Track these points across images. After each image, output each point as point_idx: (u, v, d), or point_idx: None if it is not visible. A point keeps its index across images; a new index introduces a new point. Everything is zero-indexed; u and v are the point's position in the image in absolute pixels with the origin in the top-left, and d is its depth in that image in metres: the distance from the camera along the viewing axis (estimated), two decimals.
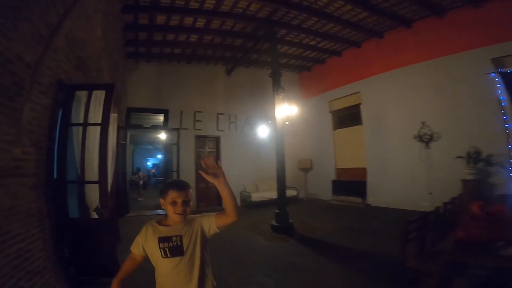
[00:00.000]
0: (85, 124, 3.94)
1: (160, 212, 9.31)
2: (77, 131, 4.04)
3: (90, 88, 4.17)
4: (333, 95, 11.56)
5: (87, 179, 3.92)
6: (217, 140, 10.79)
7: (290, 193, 10.87)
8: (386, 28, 9.42)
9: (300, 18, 8.73)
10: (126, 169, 9.27)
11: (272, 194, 10.23)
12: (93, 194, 3.92)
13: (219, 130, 10.74)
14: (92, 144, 4.09)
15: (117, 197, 8.49)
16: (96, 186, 3.83)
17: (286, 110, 7.23)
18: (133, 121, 9.91)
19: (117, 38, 7.55)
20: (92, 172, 3.96)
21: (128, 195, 9.25)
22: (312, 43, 10.55)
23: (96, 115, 4.06)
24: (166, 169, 9.56)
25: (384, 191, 9.27)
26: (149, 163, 26.93)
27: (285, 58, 11.39)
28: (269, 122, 7.59)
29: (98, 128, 3.92)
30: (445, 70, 7.68)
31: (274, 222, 6.72)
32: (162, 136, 11.48)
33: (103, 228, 3.82)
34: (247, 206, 10.24)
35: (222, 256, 4.97)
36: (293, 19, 8.79)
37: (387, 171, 9.25)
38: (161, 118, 10.18)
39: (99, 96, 4.12)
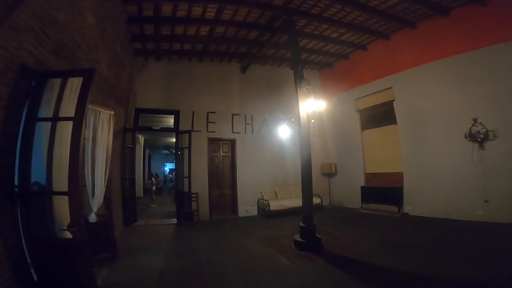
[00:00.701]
0: (55, 119, 3.07)
1: (171, 220, 8.48)
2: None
3: (65, 75, 3.31)
4: (359, 92, 10.40)
5: (57, 189, 3.02)
6: (232, 143, 9.87)
7: (313, 201, 9.77)
8: (419, 18, 8.34)
9: (320, 5, 7.70)
10: (135, 174, 8.46)
11: (293, 203, 9.21)
12: (63, 208, 3.01)
13: (235, 132, 9.82)
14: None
15: (123, 205, 7.72)
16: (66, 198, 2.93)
17: (312, 105, 6.14)
18: (142, 123, 9.17)
19: (119, 30, 6.81)
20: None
21: (136, 202, 8.45)
22: (334, 35, 9.45)
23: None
24: (176, 175, 8.63)
25: (425, 199, 7.99)
26: (166, 168, 26.48)
27: (305, 53, 10.33)
28: (292, 120, 6.61)
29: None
30: (496, 60, 6.49)
31: (298, 237, 5.65)
32: (173, 139, 10.69)
33: (75, 250, 2.91)
34: (264, 215, 9.21)
35: (233, 282, 3.96)
36: (313, 7, 7.77)
37: (428, 175, 7.96)
38: (171, 119, 9.40)
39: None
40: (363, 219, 8.55)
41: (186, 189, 8.50)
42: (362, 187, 10.08)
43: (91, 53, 5.14)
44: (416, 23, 8.48)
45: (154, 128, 9.18)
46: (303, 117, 6.05)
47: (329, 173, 11.22)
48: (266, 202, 9.03)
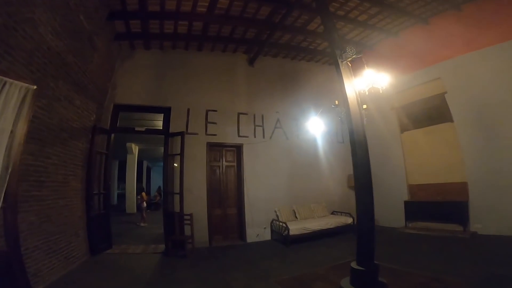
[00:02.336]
0: None
1: (158, 248, 6.30)
2: None
3: None
4: (393, 87, 8.13)
5: None
6: (238, 149, 7.72)
7: (342, 221, 7.53)
8: None
9: None
10: (111, 189, 6.34)
11: (318, 224, 7.03)
12: None
13: (241, 136, 7.68)
14: None
15: (88, 228, 5.57)
16: None
17: (365, 81, 4.08)
18: (122, 123, 7.10)
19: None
20: None
21: (110, 224, 6.29)
22: (362, 18, 7.42)
23: None
24: (165, 190, 6.46)
25: (502, 214, 5.90)
26: None
27: (323, 40, 8.26)
28: (335, 104, 4.42)
29: None
30: None
31: (346, 284, 3.42)
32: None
33: None
34: (281, 241, 6.93)
35: None
36: None
37: (506, 185, 5.77)
38: (160, 119, 7.32)
39: None
40: (417, 242, 6.36)
41: (177, 208, 6.32)
42: (406, 202, 7.81)
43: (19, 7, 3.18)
44: (460, 5, 6.79)
45: (137, 129, 7.07)
46: (351, 101, 3.90)
47: None
48: (284, 225, 6.76)
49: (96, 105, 6.15)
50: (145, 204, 10.38)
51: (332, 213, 8.33)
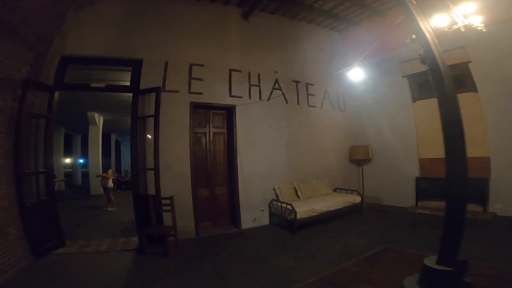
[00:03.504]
0: None
1: (129, 242, 4.65)
2: None
3: None
4: (406, 54, 6.64)
5: None
6: (229, 112, 5.99)
7: (350, 200, 6.30)
8: None
9: None
10: (53, 165, 4.49)
11: (327, 205, 5.74)
12: None
13: (234, 96, 5.95)
14: None
15: (24, 221, 3.73)
16: None
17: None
18: (72, 79, 5.06)
19: None
20: None
21: (57, 212, 4.43)
22: None
23: None
24: (133, 166, 4.66)
25: None
26: None
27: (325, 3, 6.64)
28: (411, 38, 2.91)
29: None
30: None
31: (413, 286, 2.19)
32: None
33: None
34: (284, 226, 5.56)
35: None
36: None
37: None
38: (126, 75, 5.35)
39: None
40: (432, 225, 5.23)
41: (152, 190, 4.63)
42: (417, 179, 6.66)
43: None
44: None
45: (93, 85, 5.03)
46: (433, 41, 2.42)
47: (362, 160, 7.68)
48: (288, 207, 5.34)
49: (32, 54, 4.17)
50: (111, 183, 8.43)
51: (334, 191, 7.07)
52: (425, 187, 6.54)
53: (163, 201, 4.52)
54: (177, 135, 5.14)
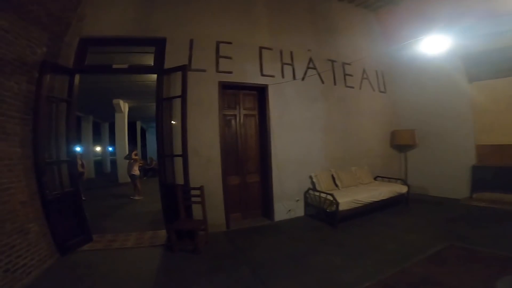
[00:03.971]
0: None
1: (156, 237, 4.29)
2: None
3: None
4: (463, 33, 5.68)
5: None
6: (260, 92, 5.36)
7: (396, 189, 5.59)
8: None
9: None
10: (72, 152, 4.14)
11: (370, 195, 5.10)
12: None
13: (265, 75, 5.30)
14: None
15: (48, 216, 3.42)
16: None
17: None
18: (93, 61, 4.63)
19: None
20: None
21: (82, 206, 4.10)
22: None
23: None
24: (159, 152, 4.21)
25: None
26: None
27: None
28: None
29: None
30: None
31: None
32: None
33: None
34: (321, 218, 5.01)
35: None
36: None
37: None
38: (149, 57, 4.83)
39: None
40: (496, 219, 4.56)
41: (180, 179, 4.18)
42: (474, 168, 5.80)
43: None
44: None
45: (115, 67, 4.60)
46: None
47: (405, 145, 6.85)
48: (328, 197, 4.75)
49: (47, 35, 3.74)
50: (137, 170, 8.17)
51: (375, 179, 6.35)
52: (483, 177, 5.69)
53: (192, 192, 4.06)
54: (205, 117, 4.62)
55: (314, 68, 5.85)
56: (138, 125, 17.64)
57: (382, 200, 5.25)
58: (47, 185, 3.51)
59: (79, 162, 7.33)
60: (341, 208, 4.57)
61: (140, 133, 18.17)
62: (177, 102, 4.30)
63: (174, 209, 4.07)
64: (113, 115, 11.23)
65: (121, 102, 10.54)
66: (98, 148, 18.90)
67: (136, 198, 7.87)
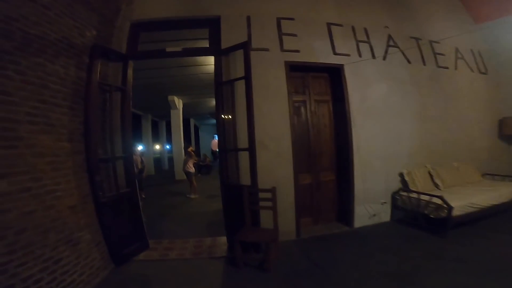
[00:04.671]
0: None
1: (216, 245, 3.57)
2: None
3: None
4: None
5: None
6: (334, 74, 4.32)
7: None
8: None
9: None
10: (128, 147, 3.61)
11: (488, 197, 3.69)
12: None
13: (339, 54, 4.26)
14: None
15: (101, 221, 2.89)
16: None
17: None
18: (145, 47, 4.10)
19: None
20: None
21: (140, 209, 3.57)
22: None
23: None
24: (221, 146, 3.46)
25: None
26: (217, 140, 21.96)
27: None
28: None
29: None
30: None
31: None
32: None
33: None
34: (423, 227, 3.80)
35: None
36: None
37: None
38: (204, 43, 4.15)
39: None
40: None
41: (244, 179, 3.40)
42: None
43: None
44: None
45: (169, 50, 4.01)
46: None
47: None
48: (435, 200, 3.57)
49: (97, 17, 3.26)
50: (193, 167, 7.74)
51: (483, 176, 4.88)
52: None
53: (261, 194, 3.25)
54: (272, 103, 3.76)
55: (396, 46, 4.63)
56: (192, 122, 17.71)
57: (503, 204, 3.87)
58: (101, 185, 3.01)
59: (139, 158, 7.13)
60: (455, 213, 3.36)
61: (193, 131, 18.26)
62: (240, 86, 3.52)
63: (238, 214, 3.32)
64: (169, 113, 11.12)
65: (176, 99, 10.31)
66: (157, 146, 19.53)
67: (192, 196, 7.44)
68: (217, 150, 14.93)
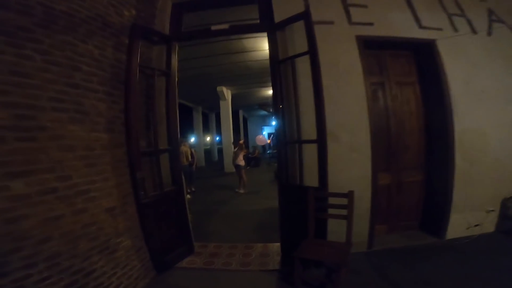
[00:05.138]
0: None
1: (269, 253, 2.87)
2: None
3: None
4: None
5: None
6: (420, 51, 3.29)
7: None
8: None
9: None
10: (176, 140, 3.13)
11: None
12: None
13: (426, 28, 3.20)
14: None
15: (143, 225, 2.37)
16: None
17: None
18: (189, 27, 3.59)
19: None
20: None
21: (186, 210, 3.12)
22: None
23: None
24: (280, 137, 2.77)
25: None
26: (265, 133, 21.54)
27: None
28: None
29: None
30: None
31: None
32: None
33: None
34: None
35: None
36: None
37: None
38: (252, 12, 3.46)
39: None
40: None
41: (308, 179, 2.69)
42: None
43: None
44: None
45: (214, 28, 3.43)
46: None
47: None
48: None
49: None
50: (242, 161, 7.19)
51: None
52: None
53: (331, 200, 2.50)
54: (344, 85, 2.93)
55: (500, 21, 3.37)
56: (241, 114, 17.43)
57: None
58: (143, 183, 2.58)
59: (189, 151, 6.87)
60: None
61: (242, 122, 18.00)
62: (302, 65, 2.78)
63: (298, 222, 2.63)
64: (218, 105, 10.87)
65: (224, 89, 9.94)
66: (208, 138, 19.81)
67: (241, 191, 6.95)
68: (264, 145, 14.16)
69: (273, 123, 19.11)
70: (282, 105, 2.86)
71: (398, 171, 3.33)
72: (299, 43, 2.85)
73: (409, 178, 3.36)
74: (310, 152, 2.66)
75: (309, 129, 2.66)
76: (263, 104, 13.61)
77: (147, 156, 2.79)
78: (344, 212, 2.38)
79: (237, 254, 3.17)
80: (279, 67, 2.92)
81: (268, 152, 15.82)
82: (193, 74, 7.51)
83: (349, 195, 2.34)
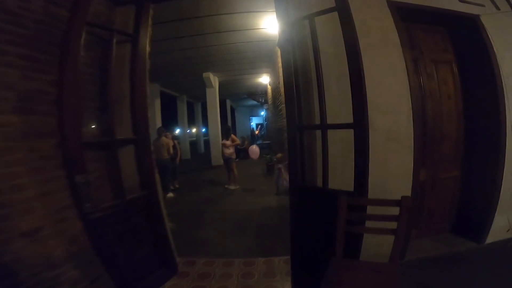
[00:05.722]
0: None
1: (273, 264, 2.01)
2: None
3: None
4: None
5: None
6: (458, 26, 2.59)
7: None
8: None
9: None
10: (145, 128, 2.23)
11: None
12: None
13: (465, 2, 2.45)
14: None
15: (94, 241, 1.50)
16: None
17: None
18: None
19: None
20: None
21: (164, 220, 2.28)
22: None
23: None
24: (290, 122, 1.94)
25: None
26: (252, 123, 20.76)
27: None
28: None
29: None
30: None
31: None
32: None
33: None
34: None
35: None
36: None
37: None
38: None
39: None
40: None
41: (333, 181, 1.87)
42: None
43: None
44: None
45: None
46: None
47: None
48: None
49: None
50: (234, 154, 6.26)
51: None
52: None
53: (370, 209, 1.73)
54: (377, 58, 2.08)
55: None
56: (228, 104, 16.48)
57: None
58: (87, 191, 1.69)
59: (171, 142, 5.89)
60: None
61: (230, 113, 17.08)
62: (323, 26, 1.94)
63: (317, 235, 1.88)
64: (205, 94, 9.89)
65: (211, 75, 8.95)
66: (193, 130, 18.82)
67: (232, 187, 6.10)
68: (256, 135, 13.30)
69: (262, 113, 18.30)
70: (293, 78, 2.02)
71: (434, 164, 2.62)
72: (315, 2, 2.00)
73: (445, 174, 2.67)
74: (335, 142, 1.86)
75: (334, 109, 1.85)
76: (252, 93, 12.71)
77: (98, 149, 1.90)
78: (390, 225, 1.62)
79: (234, 274, 2.40)
80: (291, 29, 2.05)
81: (257, 143, 15.06)
82: (177, 58, 6.54)
83: (403, 202, 1.57)
